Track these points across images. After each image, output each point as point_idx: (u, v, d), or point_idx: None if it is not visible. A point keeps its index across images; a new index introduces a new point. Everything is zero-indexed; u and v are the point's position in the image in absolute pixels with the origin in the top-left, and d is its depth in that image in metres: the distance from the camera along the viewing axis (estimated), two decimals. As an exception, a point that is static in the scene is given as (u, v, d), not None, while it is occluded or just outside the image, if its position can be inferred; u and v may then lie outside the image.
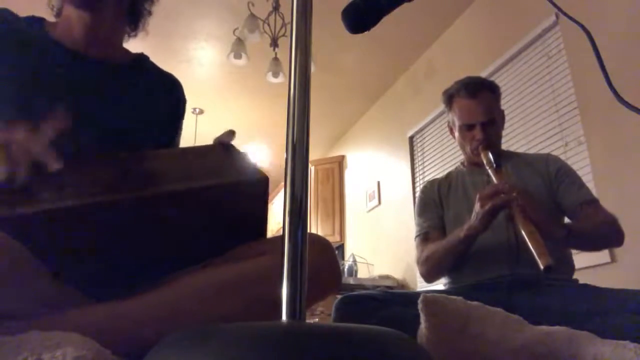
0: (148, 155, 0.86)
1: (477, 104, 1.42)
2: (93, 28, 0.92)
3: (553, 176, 1.39)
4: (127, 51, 1.04)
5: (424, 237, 1.47)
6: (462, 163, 1.58)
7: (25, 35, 0.89)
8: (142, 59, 1.05)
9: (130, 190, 0.72)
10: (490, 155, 1.30)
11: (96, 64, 0.93)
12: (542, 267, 1.04)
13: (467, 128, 1.44)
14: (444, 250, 1.35)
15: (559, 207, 1.37)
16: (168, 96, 1.06)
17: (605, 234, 1.31)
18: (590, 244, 1.37)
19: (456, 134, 1.50)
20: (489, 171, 1.29)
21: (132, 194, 0.71)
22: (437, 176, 1.65)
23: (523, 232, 1.12)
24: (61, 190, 0.69)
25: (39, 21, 0.95)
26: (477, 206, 1.23)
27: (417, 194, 1.66)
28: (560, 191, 1.37)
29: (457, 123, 1.47)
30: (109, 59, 0.96)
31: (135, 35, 1.05)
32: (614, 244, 1.35)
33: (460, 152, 1.57)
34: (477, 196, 1.24)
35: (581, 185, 1.38)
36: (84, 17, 0.91)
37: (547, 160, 1.45)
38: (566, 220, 1.39)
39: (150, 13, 1.04)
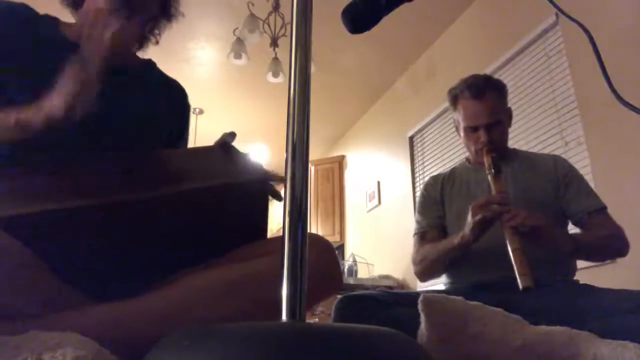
0: (149, 157, 0.86)
1: (482, 105, 1.40)
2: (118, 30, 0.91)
3: (560, 180, 1.37)
4: (136, 56, 1.04)
5: (421, 236, 1.47)
6: (468, 159, 1.56)
7: (40, 32, 0.88)
8: (150, 65, 1.06)
9: (131, 191, 0.72)
10: (492, 160, 1.29)
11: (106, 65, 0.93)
12: (520, 287, 1.06)
13: (471, 130, 1.42)
14: (437, 254, 1.36)
15: (563, 212, 1.36)
16: (173, 102, 1.06)
17: (612, 247, 1.31)
18: (597, 257, 1.37)
19: (461, 133, 1.49)
20: (489, 177, 1.29)
21: (133, 195, 0.71)
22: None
23: (509, 248, 1.12)
24: (63, 192, 0.69)
25: (53, 20, 0.94)
26: (469, 215, 1.23)
27: (420, 190, 1.65)
28: (566, 197, 1.35)
29: (461, 124, 1.45)
30: (119, 62, 0.96)
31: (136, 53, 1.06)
32: (618, 255, 1.36)
33: (461, 151, 1.57)
34: (471, 205, 1.24)
35: (589, 192, 1.36)
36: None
37: (556, 162, 1.42)
38: (570, 225, 1.38)
39: (157, 42, 1.05)
